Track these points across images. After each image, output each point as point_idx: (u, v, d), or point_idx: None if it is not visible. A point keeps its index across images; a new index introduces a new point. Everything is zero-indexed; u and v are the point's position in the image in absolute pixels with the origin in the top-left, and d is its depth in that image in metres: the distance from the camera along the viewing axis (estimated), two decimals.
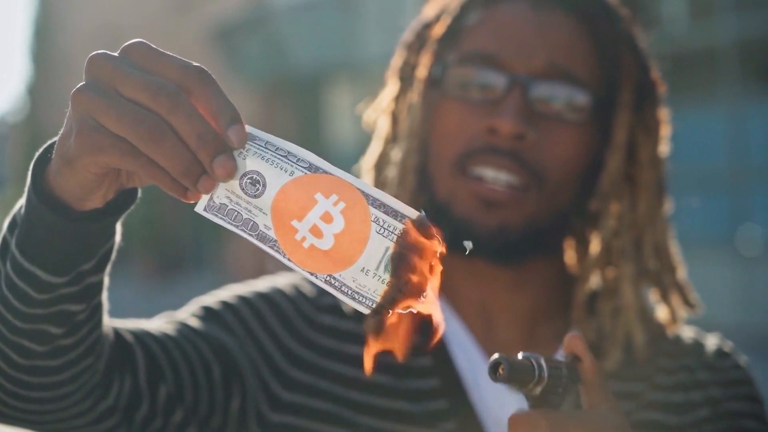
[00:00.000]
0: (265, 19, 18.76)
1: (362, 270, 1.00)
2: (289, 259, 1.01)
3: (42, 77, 29.89)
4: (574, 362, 1.11)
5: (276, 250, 1.02)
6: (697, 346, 1.64)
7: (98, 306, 1.23)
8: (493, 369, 1.06)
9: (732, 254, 11.95)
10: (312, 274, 1.01)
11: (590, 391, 1.14)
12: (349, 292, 1.01)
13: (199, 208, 1.03)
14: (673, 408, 1.57)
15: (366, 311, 1.01)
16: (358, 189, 1.01)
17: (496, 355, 1.07)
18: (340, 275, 1.01)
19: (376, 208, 1.00)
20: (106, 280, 1.21)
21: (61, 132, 1.06)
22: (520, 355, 1.10)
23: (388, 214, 1.00)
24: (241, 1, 20.13)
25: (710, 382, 1.59)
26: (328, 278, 1.01)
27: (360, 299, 1.01)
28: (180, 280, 20.71)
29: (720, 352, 1.64)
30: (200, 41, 20.91)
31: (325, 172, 1.01)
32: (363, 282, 1.00)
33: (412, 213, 1.00)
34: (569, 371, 1.10)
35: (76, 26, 27.96)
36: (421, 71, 1.62)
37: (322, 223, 1.00)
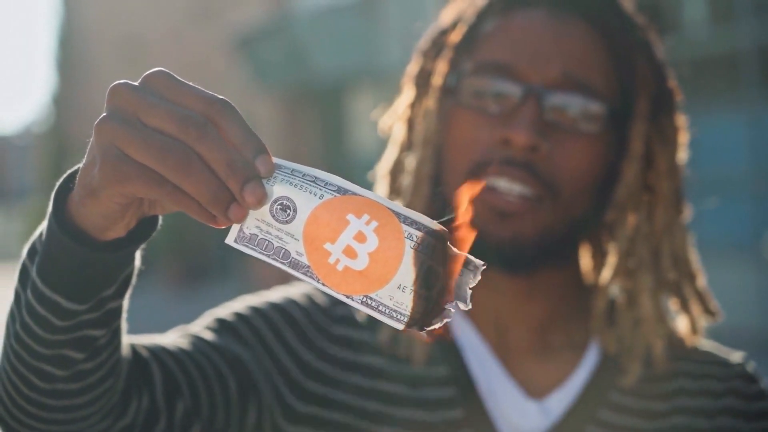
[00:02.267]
0: (286, 27, 18.77)
1: (399, 287, 1.00)
2: (323, 284, 1.01)
3: (67, 87, 29.99)
4: None
5: (310, 276, 1.01)
6: (722, 364, 1.63)
7: (118, 329, 1.23)
8: None
9: (756, 259, 11.88)
10: (348, 296, 1.01)
11: None
12: (387, 311, 1.01)
13: (230, 240, 1.03)
14: None
15: (401, 327, 1.01)
16: (388, 208, 1.01)
17: None
18: (377, 295, 1.01)
19: (408, 225, 1.00)
20: (126, 305, 1.22)
21: (83, 163, 1.05)
22: None
23: (420, 231, 1.00)
24: (263, 10, 20.15)
25: (738, 411, 1.59)
26: (364, 299, 1.01)
27: (398, 317, 1.01)
28: (206, 289, 20.73)
29: (746, 376, 1.63)
30: (222, 50, 20.95)
31: (354, 193, 1.01)
32: (400, 299, 1.00)
33: (439, 227, 1.01)
34: None
35: (100, 36, 28.06)
36: (437, 79, 1.62)
37: (355, 243, 1.00)
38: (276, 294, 1.63)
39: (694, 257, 1.63)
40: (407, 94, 1.68)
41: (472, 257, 1.02)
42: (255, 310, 1.58)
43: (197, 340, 1.49)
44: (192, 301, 17.75)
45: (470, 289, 1.02)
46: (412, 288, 1.00)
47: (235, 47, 20.00)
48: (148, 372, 1.38)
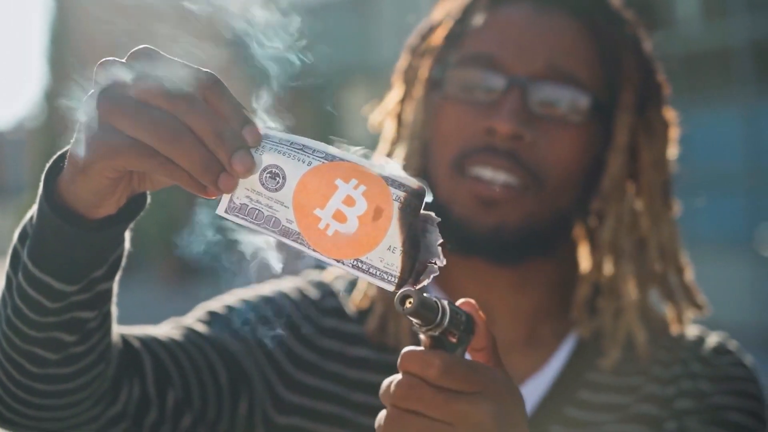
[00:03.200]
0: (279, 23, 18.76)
1: (389, 248, 1.01)
2: (313, 250, 1.03)
3: (59, 83, 29.95)
4: (471, 318, 1.08)
5: (300, 243, 1.03)
6: (697, 341, 1.62)
7: (108, 313, 1.24)
8: (401, 301, 1.02)
9: (750, 254, 11.91)
10: (338, 261, 1.03)
11: (480, 356, 1.09)
12: (377, 272, 1.02)
13: (220, 211, 1.05)
14: (666, 401, 1.56)
15: (391, 288, 1.02)
16: (376, 172, 1.02)
17: (407, 288, 1.03)
18: (367, 257, 1.02)
19: (395, 188, 1.01)
20: (115, 288, 1.23)
21: (73, 140, 1.06)
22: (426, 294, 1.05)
23: (407, 193, 1.01)
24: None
25: (702, 375, 1.57)
26: (355, 263, 1.02)
27: (388, 278, 1.02)
28: (198, 285, 20.79)
29: (720, 349, 1.61)
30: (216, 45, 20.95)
31: (342, 159, 1.03)
32: (390, 260, 1.02)
33: (418, 185, 1.02)
34: (467, 323, 1.07)
35: (92, 32, 28.05)
36: (423, 72, 1.64)
37: (344, 207, 1.02)
38: (267, 287, 1.64)
39: (683, 251, 1.64)
40: (397, 90, 1.69)
41: (431, 214, 1.03)
42: (247, 302, 1.59)
43: (189, 332, 1.51)
44: (184, 297, 17.74)
45: (439, 246, 1.03)
46: (401, 248, 1.01)
47: (228, 42, 20.00)
48: (139, 361, 1.39)
